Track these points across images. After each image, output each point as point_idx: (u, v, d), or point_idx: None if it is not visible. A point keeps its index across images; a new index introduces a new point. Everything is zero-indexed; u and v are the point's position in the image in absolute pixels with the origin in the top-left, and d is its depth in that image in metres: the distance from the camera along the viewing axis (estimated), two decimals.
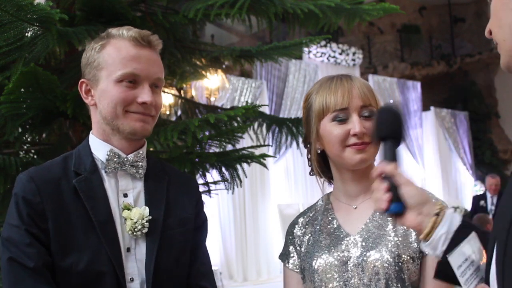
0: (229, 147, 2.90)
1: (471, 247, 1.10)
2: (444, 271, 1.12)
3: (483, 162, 14.38)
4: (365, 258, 1.38)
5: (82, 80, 1.44)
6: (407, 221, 1.17)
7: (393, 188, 1.16)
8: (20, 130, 2.53)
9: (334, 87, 1.44)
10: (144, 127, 1.41)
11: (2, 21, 2.09)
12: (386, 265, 1.36)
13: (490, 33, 1.06)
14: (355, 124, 1.40)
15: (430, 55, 14.98)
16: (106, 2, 2.40)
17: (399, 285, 1.36)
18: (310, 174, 1.61)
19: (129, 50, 1.39)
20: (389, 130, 1.21)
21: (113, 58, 1.39)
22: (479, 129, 14.63)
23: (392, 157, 1.19)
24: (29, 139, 2.77)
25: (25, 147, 2.75)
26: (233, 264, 8.62)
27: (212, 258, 1.59)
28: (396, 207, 1.15)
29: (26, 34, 2.21)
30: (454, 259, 1.09)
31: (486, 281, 1.03)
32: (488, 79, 15.52)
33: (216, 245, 8.36)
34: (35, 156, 2.73)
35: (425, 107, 12.70)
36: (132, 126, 1.40)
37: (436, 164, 12.36)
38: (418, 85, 12.57)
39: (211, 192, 2.90)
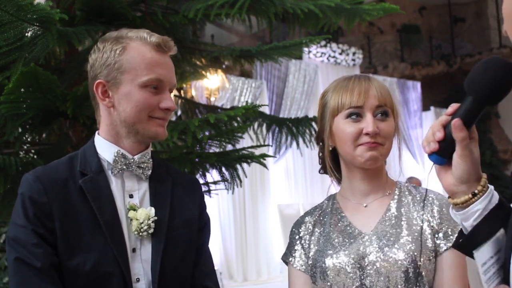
0: (229, 147, 2.90)
1: (498, 244, 1.04)
2: (465, 245, 1.06)
3: (483, 162, 14.30)
4: (382, 257, 1.37)
5: (99, 80, 1.41)
6: (445, 182, 1.08)
7: (448, 142, 1.03)
8: (20, 130, 2.53)
9: (352, 86, 1.44)
10: (164, 131, 1.44)
11: (2, 21, 2.09)
12: (404, 263, 1.36)
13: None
14: (369, 123, 1.40)
15: (430, 55, 14.98)
16: (106, 2, 2.40)
17: (417, 283, 1.36)
18: (319, 172, 1.61)
19: (153, 55, 1.40)
20: (479, 84, 0.98)
21: (138, 62, 1.38)
22: (479, 129, 14.42)
23: (465, 114, 1.01)
24: (29, 139, 2.77)
25: (25, 147, 2.75)
26: (233, 264, 8.62)
27: (212, 259, 1.59)
28: (437, 159, 1.06)
29: (26, 34, 2.20)
30: (480, 256, 1.04)
31: (506, 278, 1.00)
32: None
33: (216, 245, 8.35)
34: (35, 156, 2.73)
35: (425, 107, 12.69)
36: (155, 131, 1.41)
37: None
38: (418, 85, 12.57)
39: (211, 192, 2.90)
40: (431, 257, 1.38)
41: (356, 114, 1.42)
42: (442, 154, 1.05)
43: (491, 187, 1.09)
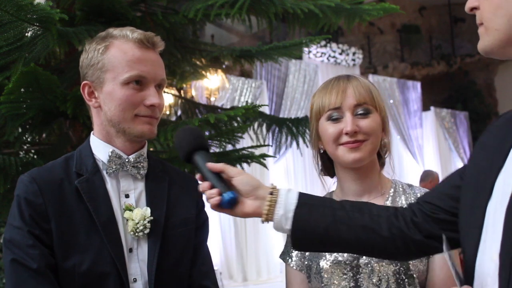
0: (229, 147, 2.90)
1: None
2: (298, 240, 1.19)
3: None
4: (374, 259, 1.38)
5: (85, 82, 1.42)
6: (246, 207, 1.21)
7: (221, 182, 1.22)
8: (20, 130, 2.54)
9: (330, 87, 1.47)
10: (151, 129, 1.42)
11: (2, 21, 2.10)
12: (397, 264, 1.37)
13: (472, 9, 0.99)
14: (348, 122, 1.42)
15: (430, 55, 14.98)
16: (106, 2, 2.40)
17: (409, 284, 1.37)
18: (319, 174, 1.62)
19: (134, 52, 1.38)
20: (196, 142, 1.29)
21: (118, 60, 1.37)
22: (479, 129, 14.61)
23: (211, 160, 1.27)
24: (29, 139, 2.77)
25: (25, 147, 2.75)
26: (233, 264, 8.62)
27: (212, 258, 1.59)
28: (228, 194, 1.20)
29: (26, 34, 2.21)
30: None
31: (469, 279, 0.99)
32: (488, 79, 15.52)
33: (216, 245, 8.36)
34: (35, 156, 2.73)
35: (425, 107, 12.70)
36: (141, 130, 1.39)
37: (436, 164, 12.35)
38: (418, 85, 12.57)
39: None
40: (423, 259, 1.39)
41: (336, 115, 1.44)
42: (225, 190, 1.21)
43: (284, 190, 1.21)
